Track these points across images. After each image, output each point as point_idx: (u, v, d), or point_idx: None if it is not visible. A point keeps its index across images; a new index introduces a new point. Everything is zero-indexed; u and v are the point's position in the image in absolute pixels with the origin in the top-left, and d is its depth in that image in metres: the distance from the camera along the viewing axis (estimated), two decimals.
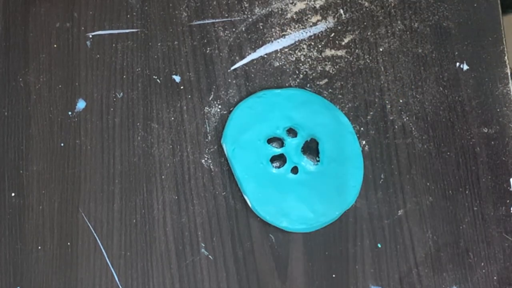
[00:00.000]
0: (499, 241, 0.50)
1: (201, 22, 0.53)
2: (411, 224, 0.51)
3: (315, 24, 0.54)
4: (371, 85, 0.53)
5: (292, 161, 0.50)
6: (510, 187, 0.51)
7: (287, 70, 0.53)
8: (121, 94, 0.52)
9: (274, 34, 0.53)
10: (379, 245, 0.50)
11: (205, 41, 0.53)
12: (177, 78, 0.53)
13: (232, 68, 0.53)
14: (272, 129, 0.50)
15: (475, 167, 0.52)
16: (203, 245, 0.50)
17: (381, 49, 0.53)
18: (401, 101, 0.53)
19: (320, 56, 0.53)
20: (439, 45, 0.54)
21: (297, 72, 0.53)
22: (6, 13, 0.53)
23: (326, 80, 0.53)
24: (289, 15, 0.54)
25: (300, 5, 0.54)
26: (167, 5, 0.54)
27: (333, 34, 0.53)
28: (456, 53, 0.54)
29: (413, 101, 0.53)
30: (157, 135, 0.51)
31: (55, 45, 0.53)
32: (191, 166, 0.51)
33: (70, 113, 0.52)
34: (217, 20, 0.54)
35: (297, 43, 0.53)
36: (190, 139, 0.51)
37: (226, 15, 0.54)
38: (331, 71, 0.53)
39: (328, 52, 0.53)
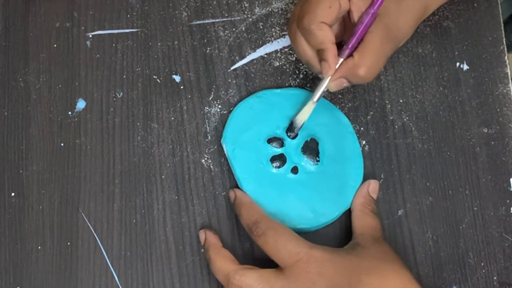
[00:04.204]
0: (499, 241, 0.50)
1: (201, 22, 0.53)
2: (411, 224, 0.51)
3: None
4: (371, 85, 0.53)
5: (292, 161, 0.50)
6: (510, 187, 0.51)
7: (287, 70, 0.53)
8: (121, 94, 0.52)
9: (274, 34, 0.53)
10: None
11: (205, 41, 0.53)
12: (177, 78, 0.52)
13: (232, 68, 0.53)
14: (272, 129, 0.50)
15: (475, 167, 0.51)
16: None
17: None
18: (401, 101, 0.53)
19: None
20: (439, 45, 0.54)
21: (297, 72, 0.53)
22: (6, 13, 0.53)
23: None
24: (289, 15, 0.54)
25: None
26: (167, 5, 0.54)
27: None
28: (456, 53, 0.54)
29: (413, 101, 0.53)
30: (157, 135, 0.51)
31: (55, 45, 0.53)
32: (191, 166, 0.51)
33: (70, 113, 0.52)
34: (217, 20, 0.54)
35: None
36: (190, 139, 0.51)
37: (226, 15, 0.54)
38: None
39: None
